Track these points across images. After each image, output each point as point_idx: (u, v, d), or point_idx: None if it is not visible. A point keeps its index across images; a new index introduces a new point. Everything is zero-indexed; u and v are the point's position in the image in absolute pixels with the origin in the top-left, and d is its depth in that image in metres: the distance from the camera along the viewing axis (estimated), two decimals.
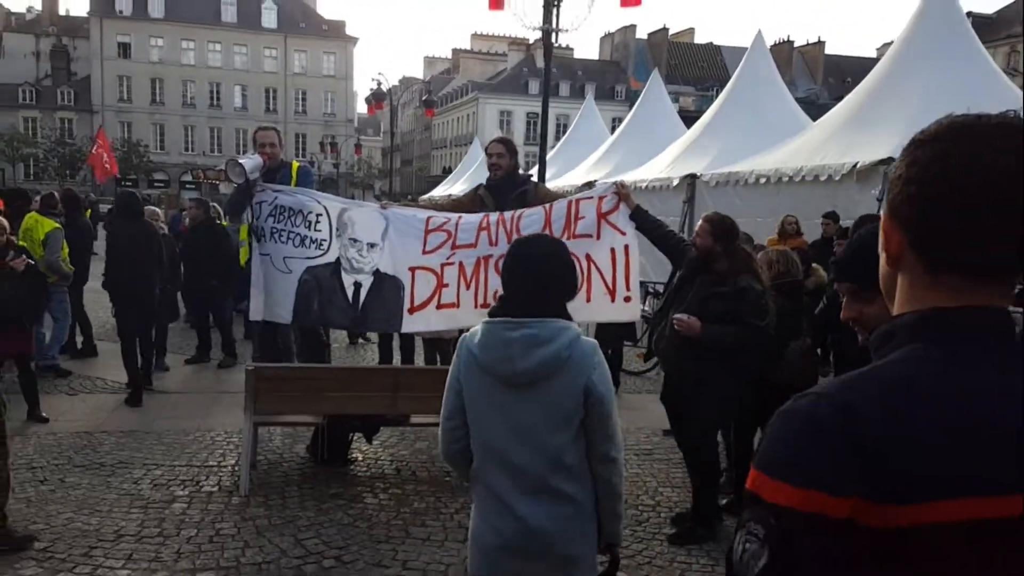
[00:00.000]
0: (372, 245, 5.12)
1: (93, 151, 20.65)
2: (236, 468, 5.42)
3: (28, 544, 4.13)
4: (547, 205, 5.01)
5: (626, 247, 4.88)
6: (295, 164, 5.69)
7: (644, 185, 15.46)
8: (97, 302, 9.91)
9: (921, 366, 0.95)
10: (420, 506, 4.97)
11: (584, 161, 21.27)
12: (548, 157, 23.89)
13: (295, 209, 5.10)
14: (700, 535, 4.51)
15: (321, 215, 5.13)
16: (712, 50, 73.15)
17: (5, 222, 6.09)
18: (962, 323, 0.97)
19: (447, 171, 65.70)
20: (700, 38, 76.83)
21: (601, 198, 4.94)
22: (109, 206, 19.89)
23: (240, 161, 4.99)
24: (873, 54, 76.84)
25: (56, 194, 8.84)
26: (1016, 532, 0.87)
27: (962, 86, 10.40)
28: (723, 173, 13.18)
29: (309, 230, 5.08)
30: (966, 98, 10.18)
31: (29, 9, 73.32)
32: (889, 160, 9.67)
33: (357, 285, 5.07)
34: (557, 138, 70.81)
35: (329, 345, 6.52)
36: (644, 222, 4.82)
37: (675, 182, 14.48)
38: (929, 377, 0.94)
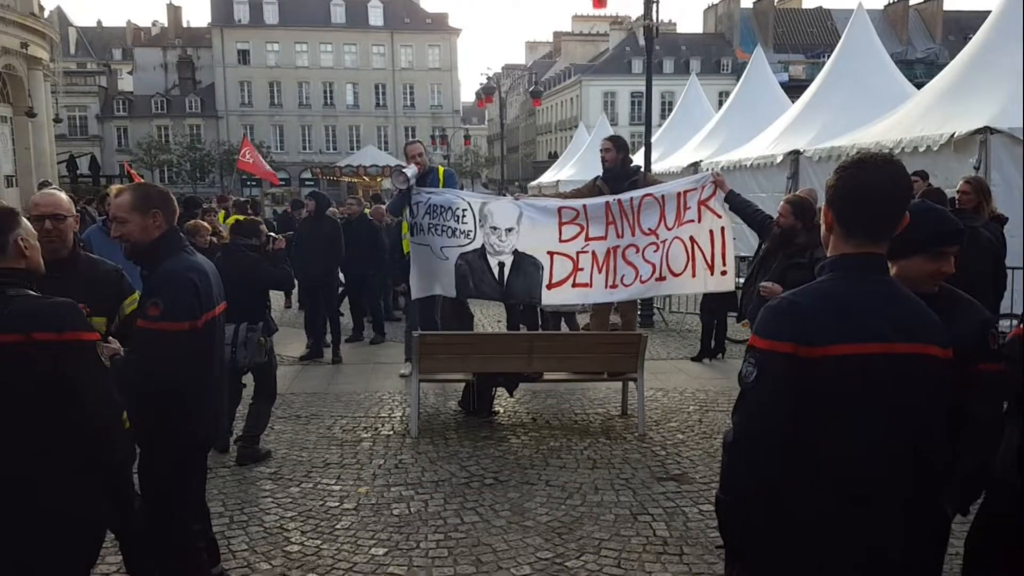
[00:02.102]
0: (509, 230, 6.23)
1: (242, 157, 22.60)
2: (404, 417, 6.65)
3: (268, 457, 5.70)
4: (660, 196, 6.00)
5: (722, 228, 5.84)
6: (440, 169, 6.87)
7: (749, 163, 15.99)
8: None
9: (832, 283, 1.96)
10: (555, 444, 6.04)
11: (689, 142, 21.68)
12: (653, 139, 24.59)
13: (445, 207, 6.26)
14: None
15: (466, 210, 6.27)
16: (822, 15, 70.98)
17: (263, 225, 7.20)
18: (856, 262, 1.94)
19: (553, 156, 66.56)
20: (808, 2, 74.46)
21: (703, 187, 5.89)
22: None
23: (403, 171, 6.19)
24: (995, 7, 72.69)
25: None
26: (873, 362, 1.85)
27: None
28: (825, 148, 13.58)
29: (458, 223, 6.23)
30: None
31: (154, 23, 78.48)
32: (985, 129, 10.03)
33: (501, 264, 6.21)
34: (662, 115, 70.27)
35: (473, 316, 7.67)
36: (736, 204, 5.73)
37: (779, 159, 14.92)
38: (835, 287, 1.94)
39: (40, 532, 2.29)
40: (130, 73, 72.28)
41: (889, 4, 68.59)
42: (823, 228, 2.08)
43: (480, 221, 6.26)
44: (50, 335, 2.27)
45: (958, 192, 6.00)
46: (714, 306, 9.15)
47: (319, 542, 4.35)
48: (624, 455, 5.78)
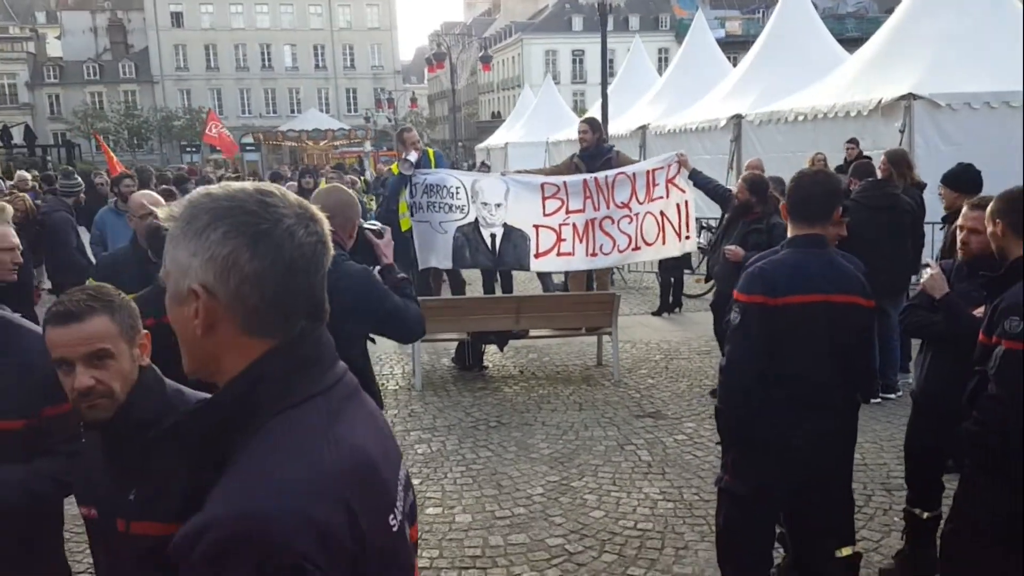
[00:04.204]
0: (498, 205, 7.01)
1: (208, 132, 22.73)
2: (404, 373, 7.46)
3: None
4: (631, 174, 6.84)
5: (686, 202, 6.75)
6: (430, 151, 7.60)
7: (694, 127, 16.87)
8: None
9: (788, 254, 2.88)
10: (543, 392, 6.92)
11: (635, 104, 22.29)
12: (600, 102, 25.40)
13: (440, 185, 7.00)
14: None
15: (459, 187, 7.02)
16: None
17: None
18: (804, 240, 2.83)
19: (496, 116, 66.77)
20: None
21: (669, 166, 6.75)
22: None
23: (407, 158, 6.94)
24: None
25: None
26: (815, 307, 2.76)
27: (978, 24, 11.67)
28: (765, 112, 14.48)
29: (452, 199, 6.98)
30: (981, 35, 11.52)
31: None
32: (910, 96, 11.06)
33: (493, 236, 7.00)
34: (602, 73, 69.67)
35: (465, 283, 8.47)
36: (699, 180, 6.64)
37: (722, 123, 15.77)
38: (789, 257, 2.86)
39: None
40: (58, 38, 69.84)
41: None
42: (783, 215, 2.97)
43: (472, 197, 7.02)
44: None
45: (880, 165, 6.95)
46: (671, 264, 10.07)
47: None
48: (605, 398, 6.69)
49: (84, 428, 1.80)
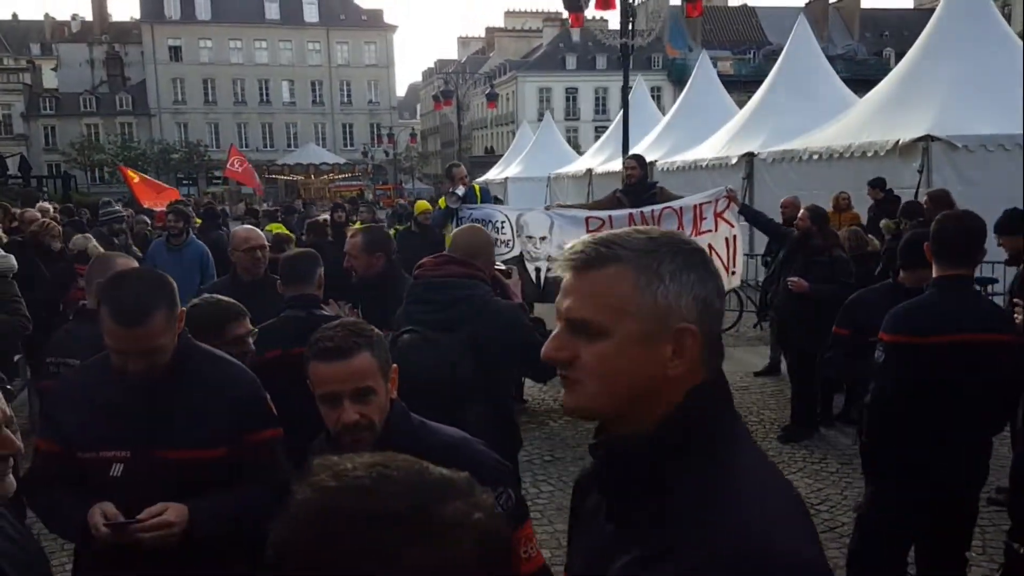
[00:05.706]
0: (543, 238, 7.06)
1: (229, 166, 22.91)
2: None
3: None
4: (678, 208, 6.91)
5: (735, 236, 6.82)
6: (476, 187, 7.68)
7: (704, 163, 17.04)
8: None
9: (932, 295, 2.92)
10: (590, 425, 6.83)
11: (640, 142, 22.37)
12: (604, 138, 25.74)
13: (486, 220, 7.04)
14: (800, 433, 6.34)
15: (504, 222, 7.07)
16: (747, 12, 73.49)
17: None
18: (948, 281, 2.88)
19: (489, 151, 67.26)
20: (733, 0, 77.14)
21: (716, 200, 6.83)
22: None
23: (455, 191, 7.00)
24: (911, 4, 76.39)
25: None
26: (960, 346, 2.78)
27: (988, 67, 11.93)
28: (778, 151, 14.64)
29: (497, 234, 7.02)
30: (991, 78, 11.72)
31: (74, 17, 75.83)
32: (927, 137, 11.24)
33: (537, 270, 7.03)
34: (596, 111, 70.45)
35: None
36: (750, 215, 6.72)
37: (733, 160, 15.94)
38: (933, 298, 2.90)
39: None
40: (54, 70, 70.11)
41: (809, 3, 71.48)
42: (928, 257, 3.04)
43: (517, 231, 7.08)
44: None
45: (925, 204, 7.08)
46: None
47: None
48: None
49: None
